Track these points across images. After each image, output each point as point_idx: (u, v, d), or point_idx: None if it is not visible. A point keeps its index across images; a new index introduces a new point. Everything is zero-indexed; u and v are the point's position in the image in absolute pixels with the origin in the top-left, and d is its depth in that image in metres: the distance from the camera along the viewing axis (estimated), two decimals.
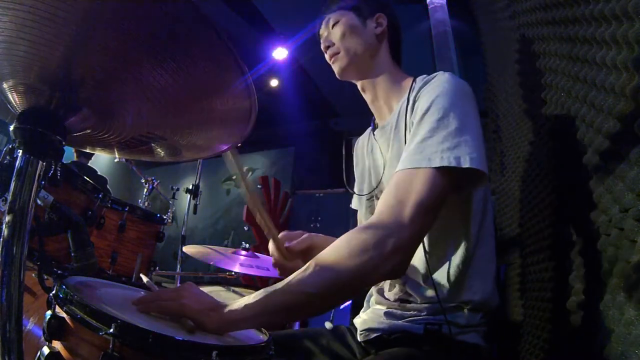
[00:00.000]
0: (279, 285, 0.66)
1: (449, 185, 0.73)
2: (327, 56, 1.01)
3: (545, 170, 0.99)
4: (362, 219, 1.07)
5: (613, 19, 0.62)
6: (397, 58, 1.03)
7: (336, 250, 0.68)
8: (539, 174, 1.04)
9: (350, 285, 0.68)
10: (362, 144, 1.12)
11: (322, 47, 1.01)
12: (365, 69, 0.99)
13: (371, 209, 1.02)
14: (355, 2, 1.00)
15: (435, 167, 0.71)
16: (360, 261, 0.65)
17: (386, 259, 0.66)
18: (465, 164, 0.70)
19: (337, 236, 0.73)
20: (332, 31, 0.99)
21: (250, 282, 3.29)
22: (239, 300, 0.66)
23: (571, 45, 0.82)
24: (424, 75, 0.92)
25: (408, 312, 0.85)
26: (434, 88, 0.81)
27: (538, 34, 1.06)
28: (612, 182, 0.63)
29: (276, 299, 0.65)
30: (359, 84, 1.03)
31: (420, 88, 0.85)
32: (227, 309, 0.65)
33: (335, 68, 1.00)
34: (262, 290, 0.66)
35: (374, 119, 1.06)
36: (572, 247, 0.78)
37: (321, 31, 1.04)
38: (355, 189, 1.10)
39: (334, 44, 0.98)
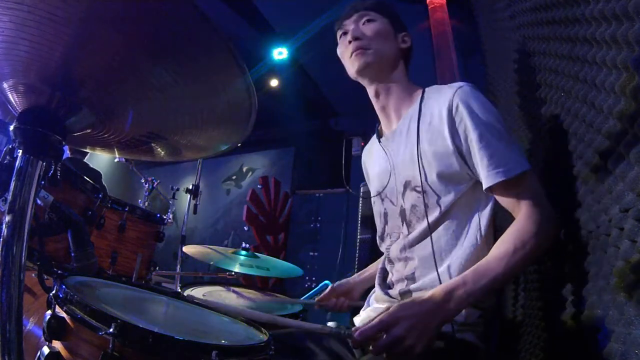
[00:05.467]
0: (489, 271, 0.75)
1: None
2: (350, 47, 0.99)
3: (545, 170, 0.99)
4: (376, 214, 1.11)
5: (613, 19, 0.62)
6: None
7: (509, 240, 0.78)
8: (538, 173, 1.04)
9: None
10: (368, 151, 1.18)
11: (349, 37, 1.00)
12: (385, 73, 1.02)
13: (378, 207, 1.08)
14: (392, 14, 1.05)
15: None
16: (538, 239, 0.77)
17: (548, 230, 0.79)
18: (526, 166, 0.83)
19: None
20: (365, 26, 1.01)
21: (250, 282, 3.29)
22: (453, 291, 0.73)
23: (571, 45, 0.82)
24: (435, 86, 0.97)
25: None
26: (471, 109, 0.87)
27: (538, 34, 1.06)
28: (612, 182, 0.63)
29: (486, 284, 0.74)
30: (372, 89, 1.04)
31: (454, 101, 0.88)
32: (449, 306, 0.72)
33: (359, 61, 0.98)
34: (472, 274, 0.75)
35: (379, 126, 1.09)
36: (572, 247, 0.78)
37: (347, 22, 1.04)
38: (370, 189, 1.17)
39: (364, 38, 0.99)
